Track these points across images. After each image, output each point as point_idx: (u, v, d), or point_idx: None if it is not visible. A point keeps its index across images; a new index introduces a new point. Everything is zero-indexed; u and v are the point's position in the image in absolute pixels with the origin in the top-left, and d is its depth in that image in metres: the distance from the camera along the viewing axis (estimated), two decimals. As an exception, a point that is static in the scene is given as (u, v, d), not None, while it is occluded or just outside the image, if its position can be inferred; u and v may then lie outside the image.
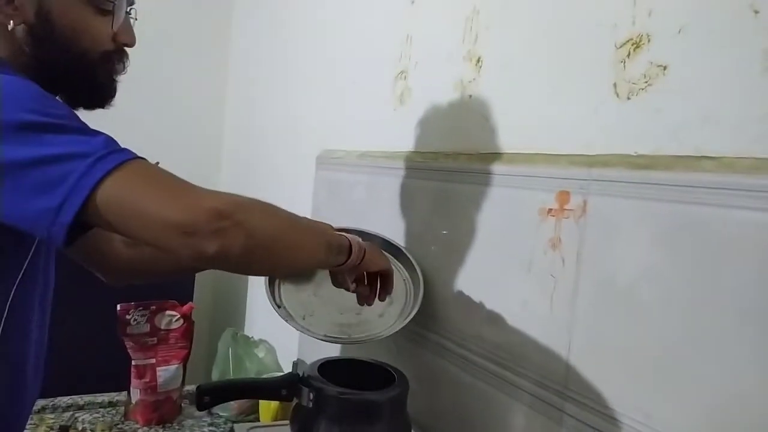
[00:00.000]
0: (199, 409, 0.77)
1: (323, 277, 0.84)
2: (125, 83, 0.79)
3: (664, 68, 0.62)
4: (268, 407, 1.13)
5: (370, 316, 0.86)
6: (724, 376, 0.53)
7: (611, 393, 0.64)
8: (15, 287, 0.68)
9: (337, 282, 0.80)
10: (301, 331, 0.82)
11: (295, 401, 0.77)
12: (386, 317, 0.87)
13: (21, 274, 0.69)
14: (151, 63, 2.15)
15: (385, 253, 0.87)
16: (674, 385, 0.57)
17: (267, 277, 0.87)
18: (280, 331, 1.57)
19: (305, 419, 0.76)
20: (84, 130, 0.58)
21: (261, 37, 1.96)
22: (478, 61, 0.88)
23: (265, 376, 1.19)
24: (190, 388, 1.28)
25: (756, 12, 0.54)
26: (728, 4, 0.56)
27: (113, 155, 0.56)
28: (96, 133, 0.58)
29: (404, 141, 1.05)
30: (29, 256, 0.70)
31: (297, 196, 1.48)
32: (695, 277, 0.56)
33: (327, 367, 0.81)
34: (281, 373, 1.18)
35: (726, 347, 0.53)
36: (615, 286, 0.64)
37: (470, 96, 0.90)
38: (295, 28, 1.66)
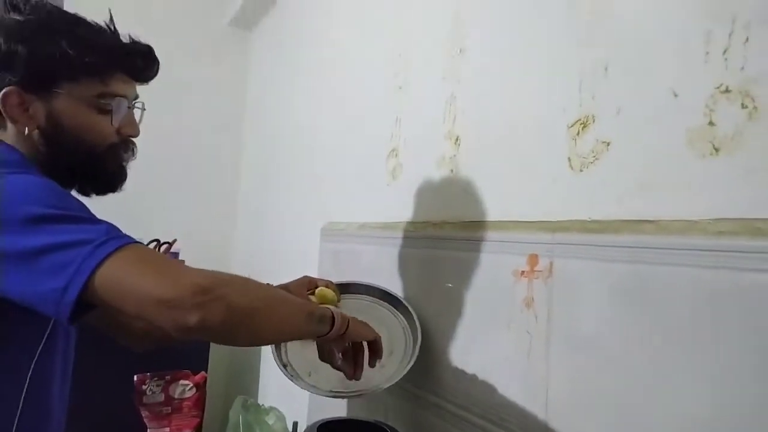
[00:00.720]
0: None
1: None
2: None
3: (608, 144, 0.70)
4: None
5: (372, 368, 0.91)
6: (684, 417, 0.58)
7: (586, 441, 0.69)
8: (35, 361, 0.75)
9: (324, 356, 0.85)
10: (307, 389, 0.88)
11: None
12: (387, 367, 0.92)
13: (40, 347, 0.75)
14: (170, 144, 2.33)
15: (384, 303, 0.94)
16: (637, 428, 0.62)
17: None
18: (290, 397, 1.61)
19: None
20: (90, 219, 0.67)
21: (267, 110, 2.12)
22: (457, 139, 0.98)
23: (274, 441, 1.23)
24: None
25: (675, 95, 0.63)
26: (653, 87, 0.65)
27: (112, 241, 0.64)
28: (100, 222, 0.67)
29: (398, 212, 1.14)
30: (47, 332, 0.76)
31: (305, 264, 1.57)
32: (646, 328, 0.62)
33: (326, 428, 0.86)
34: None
35: (679, 385, 0.59)
36: (581, 339, 0.70)
37: (451, 170, 0.99)
38: (299, 112, 1.81)
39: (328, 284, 1.04)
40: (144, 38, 0.85)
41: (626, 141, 0.69)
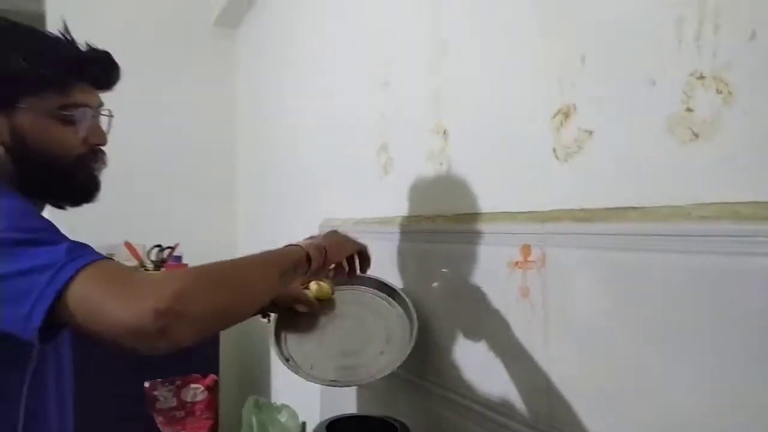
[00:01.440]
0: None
1: (325, 325, 0.94)
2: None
3: (590, 133, 0.71)
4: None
5: (372, 356, 0.94)
6: (672, 397, 0.60)
7: (588, 424, 0.71)
8: (27, 385, 0.75)
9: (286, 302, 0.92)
10: (310, 381, 0.90)
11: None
12: (386, 354, 0.94)
13: (31, 370, 0.75)
14: (164, 144, 2.34)
15: (380, 294, 1.01)
16: (630, 414, 0.64)
17: (273, 335, 0.96)
18: (302, 394, 1.64)
19: None
20: (51, 241, 0.66)
21: (258, 114, 2.12)
22: (444, 133, 0.99)
23: (287, 439, 1.26)
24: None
25: (653, 83, 0.64)
26: (631, 76, 0.66)
27: (73, 263, 0.63)
28: (61, 242, 0.66)
29: (392, 207, 1.15)
30: (34, 354, 0.76)
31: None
32: (635, 313, 0.64)
33: (335, 426, 0.88)
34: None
35: (668, 369, 0.60)
36: (577, 326, 0.72)
37: (441, 164, 1.00)
38: (288, 109, 1.81)
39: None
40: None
41: (608, 129, 0.69)
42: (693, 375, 0.58)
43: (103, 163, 0.86)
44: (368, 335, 0.98)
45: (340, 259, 0.90)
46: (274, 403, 1.45)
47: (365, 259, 0.95)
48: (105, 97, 0.85)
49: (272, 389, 1.92)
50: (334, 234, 0.94)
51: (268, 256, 0.80)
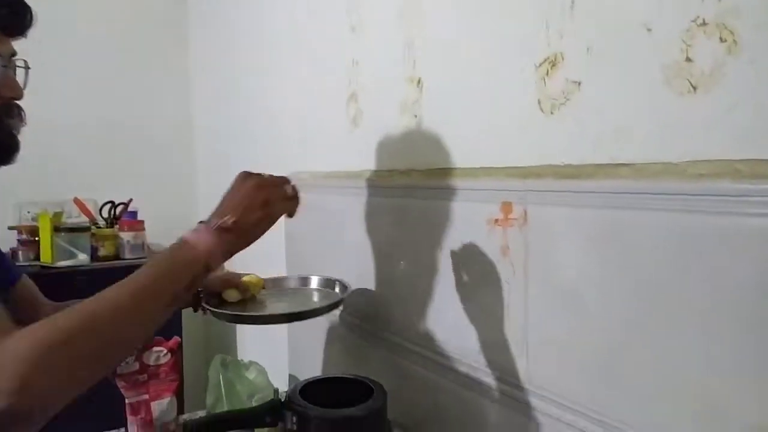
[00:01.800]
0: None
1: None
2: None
3: (579, 84, 0.67)
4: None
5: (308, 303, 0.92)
6: (663, 363, 0.59)
7: (566, 386, 0.70)
8: None
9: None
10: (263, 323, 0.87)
11: (280, 426, 0.82)
12: (329, 297, 0.92)
13: None
14: (117, 98, 2.20)
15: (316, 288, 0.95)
16: (617, 375, 0.63)
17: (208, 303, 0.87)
18: (269, 352, 1.61)
19: None
20: None
21: (218, 62, 2.00)
22: (419, 82, 0.93)
23: (257, 396, 1.24)
24: (187, 416, 1.32)
25: (649, 30, 0.59)
26: (624, 23, 0.62)
27: None
28: None
29: (362, 161, 1.10)
30: None
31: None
32: (624, 275, 0.62)
33: (308, 389, 0.86)
34: (271, 397, 1.23)
35: (656, 331, 0.59)
36: (559, 288, 0.70)
37: (415, 116, 0.95)
38: (250, 52, 1.70)
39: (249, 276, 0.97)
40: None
41: (598, 81, 0.65)
42: (685, 340, 0.56)
43: (21, 119, 0.76)
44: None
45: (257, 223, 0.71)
46: (242, 360, 1.42)
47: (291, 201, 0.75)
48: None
49: (239, 349, 1.89)
50: (242, 187, 0.72)
51: (150, 284, 0.65)
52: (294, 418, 0.78)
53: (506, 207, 0.76)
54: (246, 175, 0.74)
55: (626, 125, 0.62)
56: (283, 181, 0.76)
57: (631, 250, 0.61)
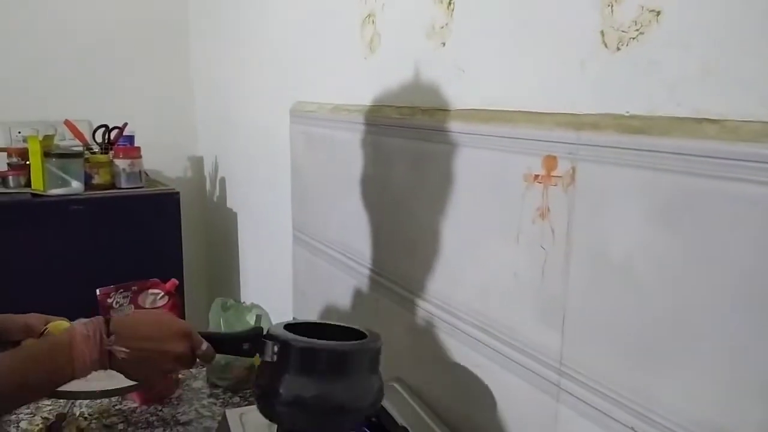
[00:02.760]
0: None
1: None
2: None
3: (658, 13, 0.53)
4: (265, 375, 1.12)
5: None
6: (722, 355, 0.49)
7: (608, 370, 0.60)
8: None
9: None
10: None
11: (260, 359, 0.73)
12: None
13: None
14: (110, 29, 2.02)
15: None
16: (671, 363, 0.54)
17: None
18: (273, 293, 1.55)
19: (268, 375, 0.71)
20: None
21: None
22: (450, 3, 0.78)
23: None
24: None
25: (767, -57, 0.45)
26: (734, -67, 0.47)
27: None
28: None
29: (379, 93, 0.97)
30: None
31: (275, 146, 1.41)
32: (693, 254, 0.51)
33: (296, 328, 0.76)
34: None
35: (722, 326, 0.49)
36: (608, 260, 0.59)
37: (443, 44, 0.80)
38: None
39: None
40: None
41: (685, 8, 0.51)
42: (754, 330, 0.46)
43: None
44: None
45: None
46: (243, 302, 1.35)
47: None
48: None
49: (242, 291, 1.83)
50: (161, 331, 0.68)
51: (14, 377, 0.62)
52: (275, 348, 0.70)
53: (549, 161, 0.64)
54: (176, 328, 0.70)
55: (718, 68, 0.49)
56: (199, 344, 0.70)
57: (710, 227, 0.49)
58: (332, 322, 0.81)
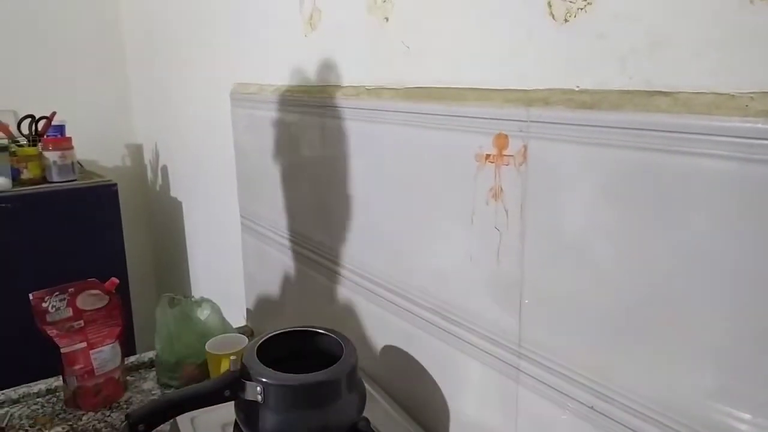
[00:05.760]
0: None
1: None
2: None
3: (607, -18, 0.51)
4: (218, 371, 1.07)
5: None
6: (678, 331, 0.49)
7: (567, 350, 0.60)
8: None
9: None
10: None
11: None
12: None
13: None
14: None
15: None
16: (630, 342, 0.53)
17: None
18: (225, 285, 1.49)
19: (253, 412, 0.69)
20: None
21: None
22: (391, -24, 0.74)
23: (208, 338, 1.12)
24: (135, 358, 1.21)
25: None
26: None
27: None
28: None
29: (322, 72, 0.92)
30: None
31: (218, 131, 1.35)
32: (647, 230, 0.50)
33: (265, 347, 0.74)
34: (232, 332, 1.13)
35: (678, 302, 0.48)
36: (563, 239, 0.57)
37: (386, 19, 0.77)
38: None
39: None
40: None
41: (634, -23, 0.49)
42: (726, 313, 0.45)
43: None
44: None
45: None
46: (192, 297, 1.29)
47: None
48: None
49: (192, 285, 1.76)
50: None
51: None
52: (259, 389, 0.67)
53: (501, 140, 0.62)
54: None
55: (670, 39, 0.47)
56: None
57: (664, 202, 0.48)
58: (299, 327, 0.80)
